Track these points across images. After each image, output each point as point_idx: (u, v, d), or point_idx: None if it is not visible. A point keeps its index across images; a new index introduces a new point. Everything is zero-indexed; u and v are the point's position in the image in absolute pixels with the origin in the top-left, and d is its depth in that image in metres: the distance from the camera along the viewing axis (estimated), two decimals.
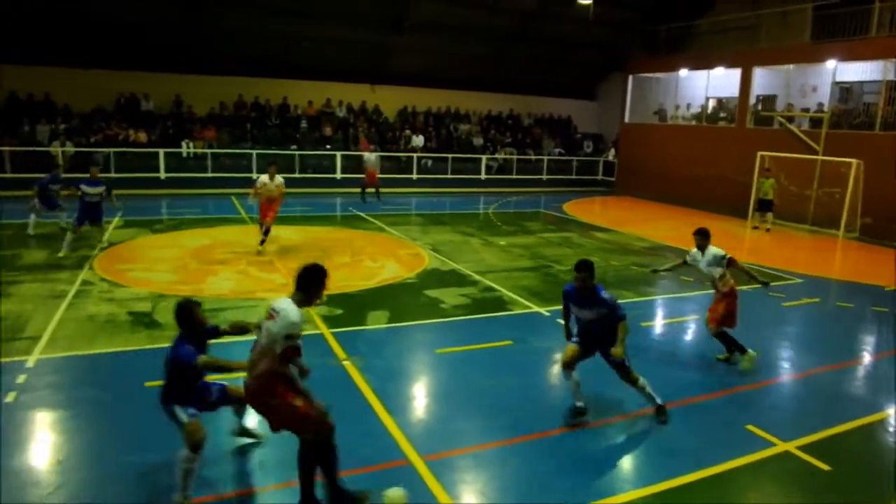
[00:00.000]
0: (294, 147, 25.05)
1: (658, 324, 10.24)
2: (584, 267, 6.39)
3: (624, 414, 6.79)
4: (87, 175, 13.15)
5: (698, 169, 24.22)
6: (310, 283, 4.99)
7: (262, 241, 13.34)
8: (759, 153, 20.66)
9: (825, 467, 5.73)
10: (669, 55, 26.91)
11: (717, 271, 8.28)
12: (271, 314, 4.91)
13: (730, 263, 8.26)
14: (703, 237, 8.50)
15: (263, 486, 5.26)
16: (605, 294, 6.46)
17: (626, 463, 6.00)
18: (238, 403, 5.58)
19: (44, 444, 5.83)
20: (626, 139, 29.05)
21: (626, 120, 28.81)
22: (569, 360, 6.57)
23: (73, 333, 8.37)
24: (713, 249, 8.41)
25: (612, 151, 30.78)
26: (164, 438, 5.82)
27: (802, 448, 6.03)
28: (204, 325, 5.47)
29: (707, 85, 25.20)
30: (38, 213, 14.61)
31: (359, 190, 22.27)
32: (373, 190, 22.05)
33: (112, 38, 22.18)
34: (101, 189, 12.93)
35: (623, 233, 18.12)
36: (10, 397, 6.45)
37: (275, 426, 4.94)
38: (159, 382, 6.86)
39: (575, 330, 6.81)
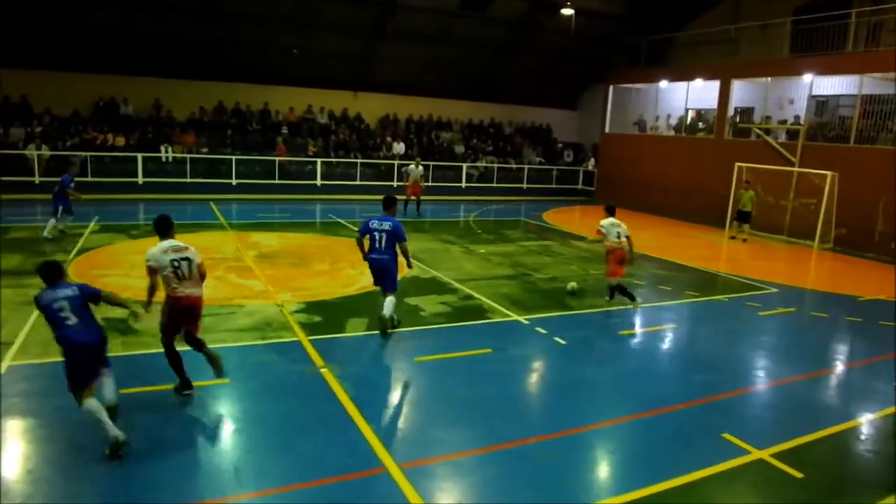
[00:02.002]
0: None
1: (637, 332, 10.30)
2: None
3: (600, 423, 6.81)
4: None
5: (677, 179, 24.48)
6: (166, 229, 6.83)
7: None
8: (737, 164, 20.95)
9: (798, 475, 5.79)
10: (650, 67, 27.24)
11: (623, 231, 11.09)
12: (180, 248, 6.73)
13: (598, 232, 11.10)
14: (608, 211, 11.41)
15: (236, 493, 5.19)
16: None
17: (603, 471, 6.02)
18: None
19: (13, 452, 5.71)
20: (605, 149, 29.27)
21: (607, 130, 29.05)
22: None
23: (47, 340, 8.13)
24: (613, 219, 11.17)
25: (592, 161, 31.01)
26: (137, 444, 5.75)
27: (776, 456, 6.09)
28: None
29: (687, 96, 25.50)
30: (58, 217, 14.76)
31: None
32: (414, 199, 21.81)
33: (92, 42, 21.95)
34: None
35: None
36: None
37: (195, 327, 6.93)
38: (134, 389, 6.84)
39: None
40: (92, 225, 16.19)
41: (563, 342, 9.21)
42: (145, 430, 6.07)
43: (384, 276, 9.14)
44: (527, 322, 10.07)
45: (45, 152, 21.24)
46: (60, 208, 14.72)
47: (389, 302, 9.06)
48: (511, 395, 7.52)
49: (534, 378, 8.39)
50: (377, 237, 8.99)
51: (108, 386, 5.98)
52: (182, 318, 6.79)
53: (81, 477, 5.34)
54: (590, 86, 31.75)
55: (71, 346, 5.53)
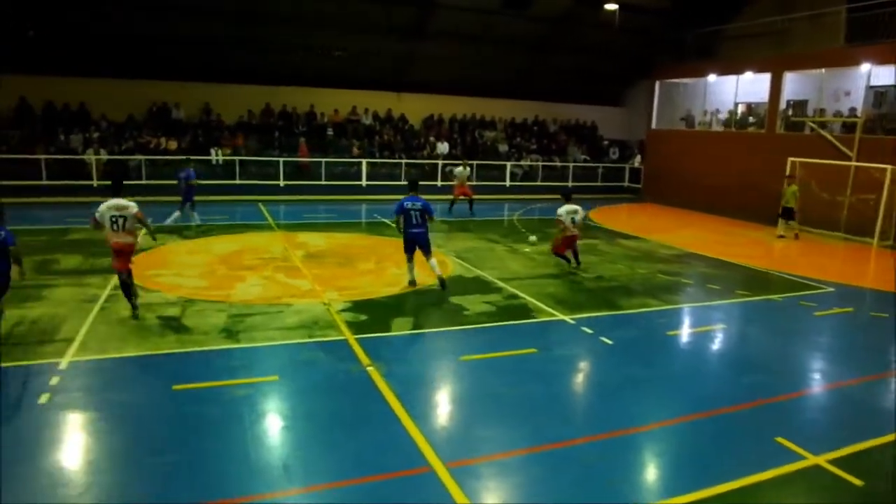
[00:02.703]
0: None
1: (685, 333, 10.12)
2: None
3: (648, 424, 6.71)
4: None
5: (727, 176, 23.91)
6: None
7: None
8: (790, 159, 20.33)
9: (857, 482, 5.59)
10: (697, 60, 26.63)
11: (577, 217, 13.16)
12: (121, 207, 9.07)
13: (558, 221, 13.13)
14: (565, 197, 13.47)
15: (285, 489, 5.28)
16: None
17: (652, 473, 5.93)
18: None
19: (74, 445, 5.94)
20: (652, 146, 28.80)
21: (653, 126, 28.57)
22: None
23: (105, 337, 8.54)
24: (570, 206, 13.11)
25: (638, 158, 30.53)
26: (190, 439, 5.92)
27: (833, 462, 5.90)
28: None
29: (736, 90, 24.89)
30: (183, 209, 16.88)
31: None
32: (463, 198, 21.75)
33: (144, 49, 22.67)
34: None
35: (649, 240, 17.94)
36: (43, 398, 6.59)
37: (125, 265, 9.24)
38: (186, 385, 7.04)
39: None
40: None
41: (609, 342, 9.10)
42: (197, 424, 6.24)
43: (421, 244, 11.22)
44: (572, 321, 9.98)
45: (103, 157, 22.00)
46: (189, 201, 16.82)
47: (435, 263, 11.37)
48: (557, 395, 7.47)
49: (580, 378, 8.31)
50: (413, 215, 11.04)
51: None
52: (116, 255, 9.22)
53: (138, 468, 5.51)
54: (635, 82, 31.27)
55: None
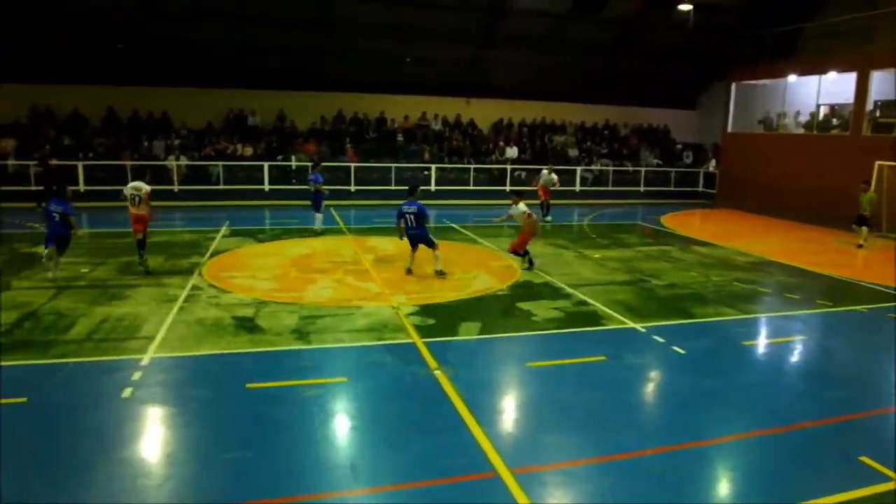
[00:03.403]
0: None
1: (762, 343, 9.74)
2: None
3: (722, 437, 6.49)
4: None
5: (807, 180, 22.88)
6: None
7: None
8: (878, 163, 19.32)
9: None
10: (776, 61, 25.60)
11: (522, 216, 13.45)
12: (137, 188, 12.25)
13: (529, 216, 13.51)
14: (518, 196, 13.82)
15: (352, 489, 5.36)
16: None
17: (725, 488, 5.72)
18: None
19: (154, 438, 6.22)
20: (728, 149, 27.88)
21: (729, 129, 27.67)
22: None
23: (183, 335, 8.89)
24: (522, 206, 13.45)
25: (713, 162, 29.60)
26: (261, 437, 6.09)
27: None
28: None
29: (818, 91, 23.83)
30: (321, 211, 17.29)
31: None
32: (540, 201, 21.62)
33: (223, 60, 23.61)
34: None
35: (724, 247, 17.37)
36: (126, 393, 6.92)
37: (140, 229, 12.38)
38: (259, 384, 7.25)
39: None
40: (223, 230, 17.29)
41: (682, 351, 8.86)
42: (269, 422, 6.41)
43: (421, 241, 12.61)
44: (643, 330, 9.76)
45: (183, 162, 22.96)
46: (315, 204, 17.11)
47: (438, 257, 12.71)
48: (627, 404, 7.32)
49: (650, 388, 8.11)
50: (408, 218, 12.42)
51: (57, 256, 11.38)
52: (133, 222, 12.39)
53: (213, 463, 5.71)
54: (710, 84, 30.39)
55: (50, 229, 11.25)
